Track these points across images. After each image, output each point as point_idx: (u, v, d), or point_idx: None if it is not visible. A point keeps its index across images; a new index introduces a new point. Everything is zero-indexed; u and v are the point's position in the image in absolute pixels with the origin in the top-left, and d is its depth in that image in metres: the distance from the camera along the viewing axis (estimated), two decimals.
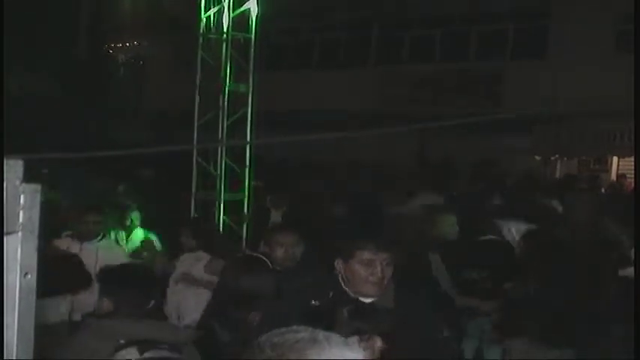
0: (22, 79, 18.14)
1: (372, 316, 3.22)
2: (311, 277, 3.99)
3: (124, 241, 7.51)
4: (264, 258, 3.37)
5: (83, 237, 6.16)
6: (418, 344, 3.19)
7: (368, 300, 3.28)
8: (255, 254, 3.49)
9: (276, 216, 8.39)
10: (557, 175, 15.02)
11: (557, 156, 15.56)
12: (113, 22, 23.00)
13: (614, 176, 14.97)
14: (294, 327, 1.42)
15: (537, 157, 15.53)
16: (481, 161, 13.49)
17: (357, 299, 3.28)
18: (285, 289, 3.79)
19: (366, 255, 3.26)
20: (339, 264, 3.34)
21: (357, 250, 3.28)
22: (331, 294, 3.31)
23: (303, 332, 1.38)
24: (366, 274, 3.24)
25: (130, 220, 7.57)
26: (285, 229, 4.87)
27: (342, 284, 3.32)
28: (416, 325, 3.23)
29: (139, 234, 7.58)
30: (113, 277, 3.46)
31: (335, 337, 1.39)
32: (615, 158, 15.36)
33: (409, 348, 3.12)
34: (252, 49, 8.66)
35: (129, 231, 7.58)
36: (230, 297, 3.21)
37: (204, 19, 8.77)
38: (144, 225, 7.67)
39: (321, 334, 1.38)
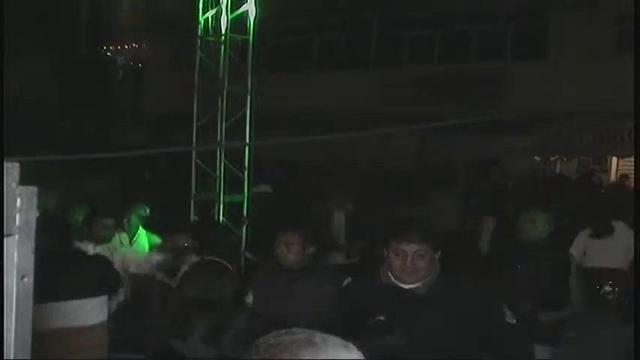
0: (22, 79, 18.12)
1: (408, 302, 3.49)
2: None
3: (128, 242, 7.55)
4: (225, 262, 3.30)
5: (97, 240, 6.35)
6: (452, 335, 3.40)
7: (407, 286, 3.55)
8: (215, 259, 3.43)
9: (339, 216, 8.20)
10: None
11: (557, 156, 15.55)
12: (112, 24, 22.99)
13: (614, 176, 14.97)
14: (294, 328, 1.38)
15: (537, 158, 15.53)
16: (481, 161, 13.48)
17: (398, 286, 3.56)
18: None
19: (398, 245, 3.52)
20: (386, 252, 3.63)
21: (392, 241, 3.57)
22: (379, 282, 3.62)
23: (301, 333, 1.35)
24: (398, 263, 3.51)
25: (128, 223, 7.59)
26: (292, 230, 4.79)
27: (389, 271, 3.60)
28: (450, 315, 3.43)
29: (143, 236, 7.62)
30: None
31: (332, 339, 1.35)
32: (615, 158, 15.35)
33: (441, 337, 3.37)
34: (251, 51, 8.66)
35: (130, 233, 7.60)
36: (187, 304, 3.13)
37: (202, 21, 8.78)
38: (144, 227, 7.70)
39: (318, 335, 1.34)
